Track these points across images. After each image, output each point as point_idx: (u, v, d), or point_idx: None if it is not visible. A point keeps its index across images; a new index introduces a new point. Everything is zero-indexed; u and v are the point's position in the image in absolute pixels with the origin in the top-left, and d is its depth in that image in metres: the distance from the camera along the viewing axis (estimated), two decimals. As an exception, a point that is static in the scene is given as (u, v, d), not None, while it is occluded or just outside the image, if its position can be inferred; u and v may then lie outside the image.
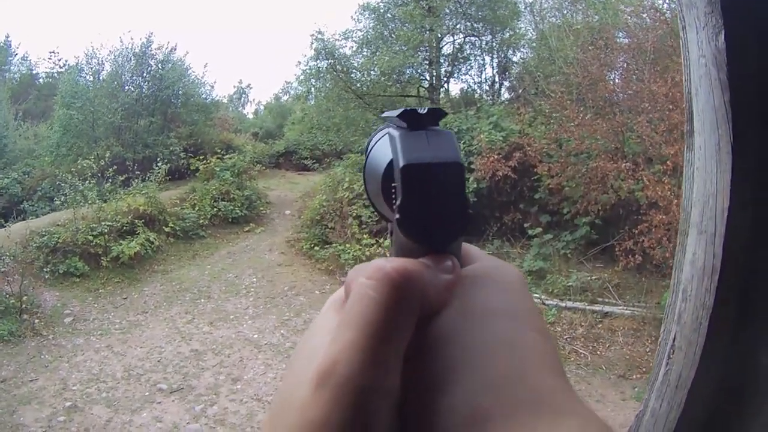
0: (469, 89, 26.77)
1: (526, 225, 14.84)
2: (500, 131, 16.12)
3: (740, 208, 1.11)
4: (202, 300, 13.71)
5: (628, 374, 9.76)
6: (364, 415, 0.43)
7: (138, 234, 16.00)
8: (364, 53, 24.47)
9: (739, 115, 1.09)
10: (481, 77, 26.38)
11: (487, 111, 18.18)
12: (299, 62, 25.86)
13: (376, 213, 0.69)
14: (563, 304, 11.98)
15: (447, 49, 25.63)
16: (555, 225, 14.63)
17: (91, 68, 25.27)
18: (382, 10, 24.78)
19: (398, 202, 0.51)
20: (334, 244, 15.81)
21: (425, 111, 0.54)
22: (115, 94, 24.10)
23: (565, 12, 21.44)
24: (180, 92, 26.28)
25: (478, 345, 0.48)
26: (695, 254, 1.24)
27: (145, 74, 25.41)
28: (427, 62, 25.07)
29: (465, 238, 0.57)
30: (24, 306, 12.15)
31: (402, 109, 0.54)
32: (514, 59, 25.49)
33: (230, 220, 19.49)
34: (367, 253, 14.55)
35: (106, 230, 15.38)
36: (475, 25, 24.49)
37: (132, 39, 26.06)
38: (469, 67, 26.06)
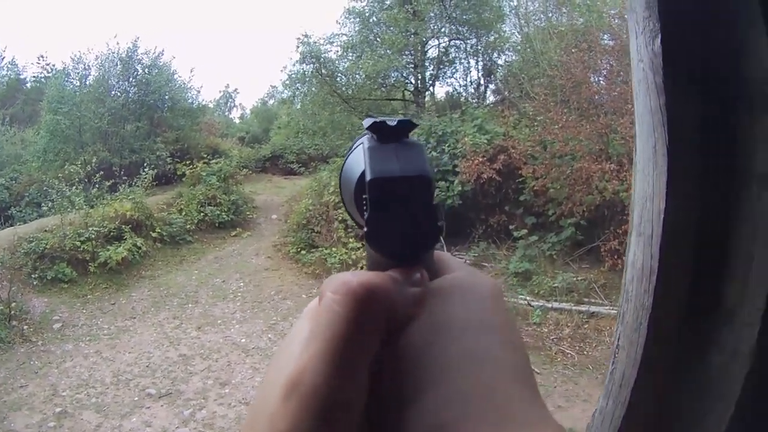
0: (455, 92, 26.89)
1: (511, 227, 14.81)
2: (485, 134, 16.14)
3: (676, 210, 1.14)
4: (190, 305, 13.70)
5: (614, 374, 9.82)
6: (330, 426, 0.45)
7: (125, 239, 15.92)
8: (350, 57, 24.51)
9: (675, 118, 1.11)
10: (466, 80, 26.42)
11: (472, 114, 18.22)
12: (285, 66, 25.89)
13: (352, 221, 0.71)
14: (549, 305, 11.97)
15: (432, 52, 25.73)
16: (540, 226, 14.63)
17: (78, 73, 25.17)
18: (367, 14, 24.85)
19: (366, 216, 0.52)
20: (320, 248, 15.76)
21: (395, 123, 0.55)
22: (101, 99, 23.96)
23: (550, 15, 21.55)
24: (166, 97, 26.13)
25: (446, 358, 0.49)
26: (635, 255, 1.27)
27: (131, 79, 25.35)
28: (412, 66, 25.14)
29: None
30: (13, 312, 12.10)
31: (371, 121, 0.55)
32: (499, 62, 25.46)
33: (217, 224, 19.39)
34: (353, 257, 14.56)
35: (93, 236, 15.32)
36: (460, 28, 24.46)
37: (118, 44, 26.08)
38: (454, 71, 26.09)
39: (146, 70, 25.67)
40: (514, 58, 24.30)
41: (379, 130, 0.54)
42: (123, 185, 18.93)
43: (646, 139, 1.20)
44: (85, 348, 11.41)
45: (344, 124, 23.31)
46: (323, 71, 24.03)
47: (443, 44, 25.43)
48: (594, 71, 15.04)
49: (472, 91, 26.27)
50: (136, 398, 9.46)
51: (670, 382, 1.22)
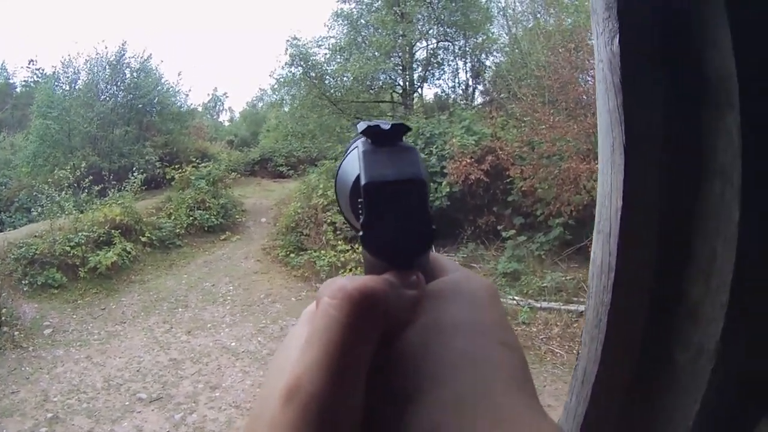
0: (443, 94, 26.94)
1: (499, 227, 14.85)
2: (472, 135, 16.22)
3: (634, 208, 1.13)
4: (180, 309, 13.68)
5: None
6: (329, 430, 0.45)
7: (115, 244, 15.88)
8: (338, 60, 24.47)
9: (631, 117, 1.11)
10: (454, 82, 26.54)
11: (460, 115, 18.32)
12: (274, 70, 25.87)
13: (348, 224, 0.70)
14: (538, 305, 11.97)
15: (420, 54, 25.77)
16: (529, 227, 14.68)
17: (68, 77, 25.16)
18: (355, 17, 24.84)
19: (361, 220, 0.52)
20: (309, 251, 15.75)
21: (389, 127, 0.55)
22: (90, 103, 23.90)
23: (538, 15, 21.58)
24: (155, 101, 26.12)
25: (442, 361, 0.49)
26: (595, 253, 1.27)
27: (120, 83, 25.29)
28: (400, 68, 25.07)
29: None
30: (3, 318, 12.07)
31: (366, 125, 0.55)
32: (487, 63, 25.57)
33: (206, 228, 19.36)
34: (342, 259, 14.56)
35: (83, 241, 15.30)
36: (448, 30, 24.55)
37: (107, 48, 25.96)
38: (442, 72, 26.19)
39: (135, 74, 25.61)
40: (501, 59, 24.36)
41: (373, 134, 0.55)
42: (112, 190, 18.87)
43: (605, 138, 1.21)
44: (76, 353, 11.37)
45: (333, 127, 23.34)
46: (312, 74, 24.06)
47: (431, 46, 25.56)
48: (581, 71, 14.97)
49: (461, 92, 26.37)
50: (127, 403, 9.43)
51: (635, 379, 1.22)
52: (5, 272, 13.93)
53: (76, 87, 25.07)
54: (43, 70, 27.58)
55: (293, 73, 24.52)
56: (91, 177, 18.87)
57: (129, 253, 16.13)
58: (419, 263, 0.56)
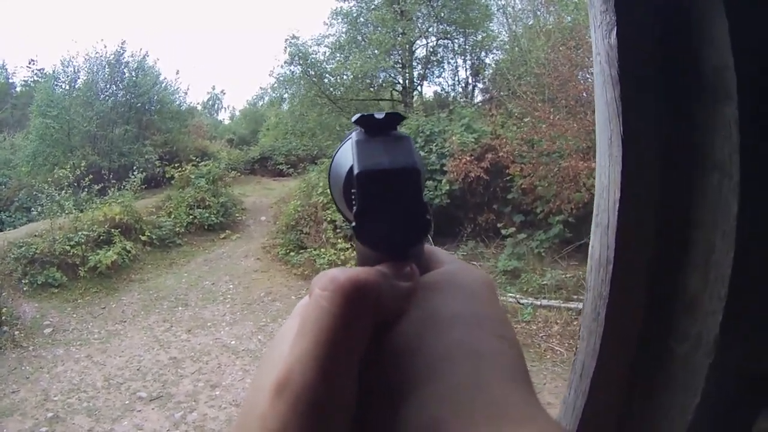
0: (443, 92, 26.87)
1: (499, 225, 14.83)
2: (472, 133, 16.23)
3: (632, 200, 1.13)
4: (180, 308, 13.69)
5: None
6: (321, 424, 0.44)
7: (114, 243, 15.87)
8: (337, 58, 24.48)
9: (629, 109, 1.10)
10: (454, 80, 26.50)
11: (460, 113, 18.29)
12: (273, 69, 25.89)
13: (341, 219, 0.67)
14: (538, 303, 11.95)
15: (420, 52, 25.77)
16: (529, 224, 14.66)
17: (67, 76, 25.12)
18: (354, 15, 24.81)
19: (354, 210, 0.51)
20: (309, 249, 15.76)
21: (382, 116, 0.54)
22: (90, 102, 23.92)
23: (538, 13, 21.56)
24: (154, 99, 26.20)
25: (437, 353, 0.48)
26: (593, 246, 1.26)
27: (119, 82, 25.28)
28: (400, 66, 25.12)
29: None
30: (4, 318, 12.09)
31: (360, 115, 0.54)
32: (487, 61, 25.53)
33: (206, 227, 19.37)
34: (342, 257, 14.51)
35: (83, 240, 15.29)
36: (448, 27, 24.51)
37: (106, 47, 25.99)
38: (442, 70, 26.19)
39: (133, 72, 25.62)
40: (501, 56, 24.21)
41: (367, 123, 0.54)
42: (112, 189, 18.82)
43: (602, 131, 1.21)
44: (76, 352, 11.37)
45: (332, 125, 23.35)
46: (311, 72, 24.10)
47: (431, 44, 25.52)
48: (581, 69, 14.92)
49: (460, 90, 26.30)
50: (127, 402, 9.43)
51: (633, 372, 1.22)
52: (5, 272, 13.93)
53: (76, 86, 25.04)
54: (43, 69, 27.66)
55: (293, 72, 24.60)
56: (90, 176, 18.83)
57: (129, 252, 16.13)
58: (414, 254, 0.55)
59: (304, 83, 24.41)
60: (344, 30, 25.21)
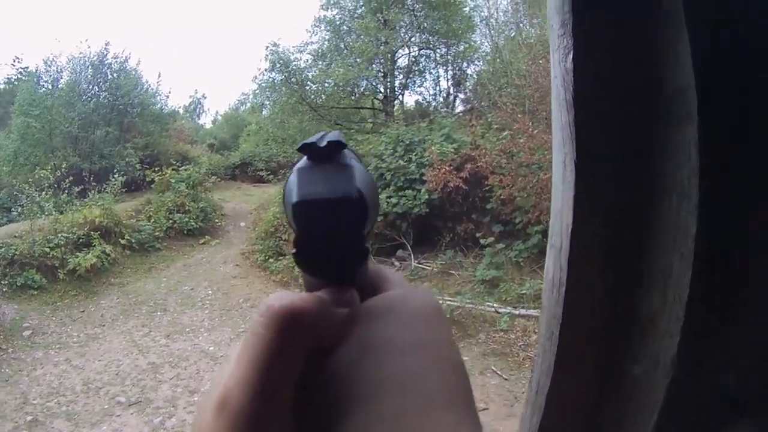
0: (424, 101, 26.99)
1: (478, 235, 14.81)
2: (452, 143, 16.27)
3: (585, 223, 1.13)
4: (159, 313, 13.63)
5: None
6: None
7: (94, 246, 15.80)
8: (319, 65, 24.58)
9: (582, 134, 1.11)
10: (436, 89, 26.60)
11: (440, 123, 18.35)
12: (255, 76, 25.92)
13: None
14: (517, 312, 11.95)
15: (402, 61, 25.90)
16: (507, 234, 14.64)
17: (50, 76, 25.10)
18: (338, 23, 24.91)
19: (293, 237, 0.52)
20: (288, 256, 15.42)
21: (324, 145, 0.54)
22: (72, 103, 23.88)
23: (521, 26, 21.76)
24: (135, 101, 26.10)
25: (373, 380, 0.49)
26: (548, 267, 1.27)
27: (101, 83, 25.26)
28: (381, 74, 25.18)
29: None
30: (-18, 319, 11.96)
31: (302, 143, 0.55)
32: (469, 72, 25.67)
33: (186, 232, 19.31)
34: (320, 265, 14.51)
35: (62, 242, 15.24)
36: (430, 38, 24.70)
37: (89, 47, 26.02)
38: (423, 80, 26.32)
39: (116, 74, 25.61)
40: (483, 67, 24.42)
41: (309, 151, 0.54)
42: (92, 191, 18.77)
43: (557, 154, 1.20)
44: (55, 356, 11.32)
45: (313, 132, 22.93)
46: (293, 80, 24.14)
47: (413, 53, 25.70)
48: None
49: (441, 100, 26.44)
50: (106, 406, 9.38)
51: (588, 391, 1.22)
52: (-16, 273, 13.84)
53: (59, 86, 25.01)
54: (27, 68, 27.43)
55: (273, 79, 24.64)
56: (71, 177, 18.77)
57: (108, 255, 16.03)
58: (357, 279, 0.57)
59: (285, 90, 24.45)
60: (327, 38, 25.37)
